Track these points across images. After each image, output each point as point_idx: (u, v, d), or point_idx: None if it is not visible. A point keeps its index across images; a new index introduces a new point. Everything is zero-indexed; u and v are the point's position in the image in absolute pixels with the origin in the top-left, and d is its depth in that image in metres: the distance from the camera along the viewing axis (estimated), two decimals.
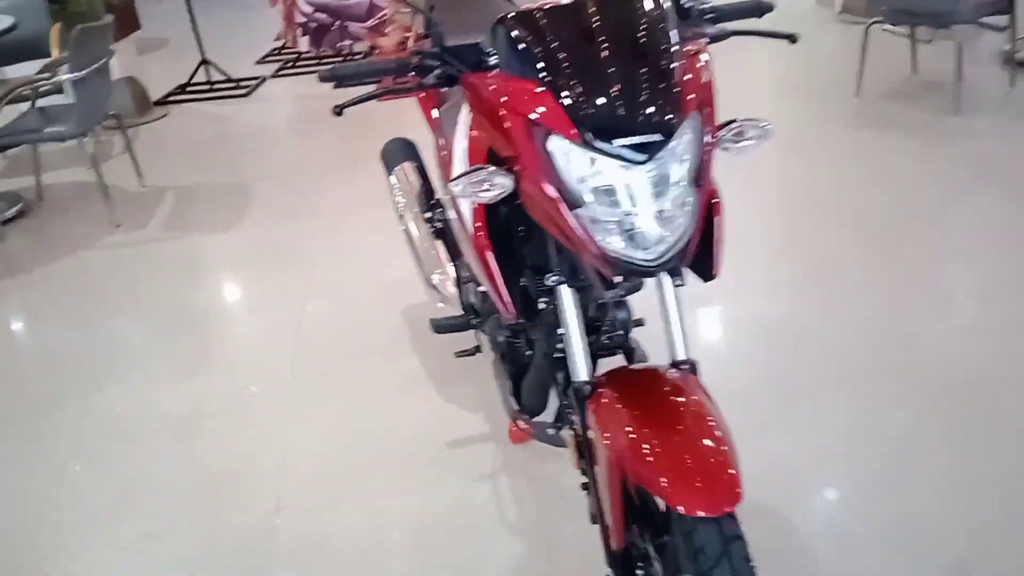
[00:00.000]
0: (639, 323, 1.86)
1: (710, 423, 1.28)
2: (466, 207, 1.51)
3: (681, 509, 1.18)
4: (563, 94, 1.22)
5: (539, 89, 1.24)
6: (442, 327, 2.21)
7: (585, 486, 1.52)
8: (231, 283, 3.37)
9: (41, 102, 4.10)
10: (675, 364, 1.45)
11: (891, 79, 4.70)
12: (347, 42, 5.68)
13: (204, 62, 5.83)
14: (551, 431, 1.86)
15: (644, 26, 1.27)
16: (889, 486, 2.04)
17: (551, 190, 1.23)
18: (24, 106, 4.11)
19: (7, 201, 4.15)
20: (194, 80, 5.90)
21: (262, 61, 6.55)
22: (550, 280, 1.42)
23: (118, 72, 5.08)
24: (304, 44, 5.53)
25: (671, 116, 1.22)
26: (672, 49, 1.26)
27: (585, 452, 1.46)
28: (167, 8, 7.23)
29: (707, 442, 1.25)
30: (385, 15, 5.49)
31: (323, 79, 1.43)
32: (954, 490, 2.01)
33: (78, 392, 2.72)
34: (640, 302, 1.68)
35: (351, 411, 2.51)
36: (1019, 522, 1.91)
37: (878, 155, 3.82)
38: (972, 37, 5.06)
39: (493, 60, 1.35)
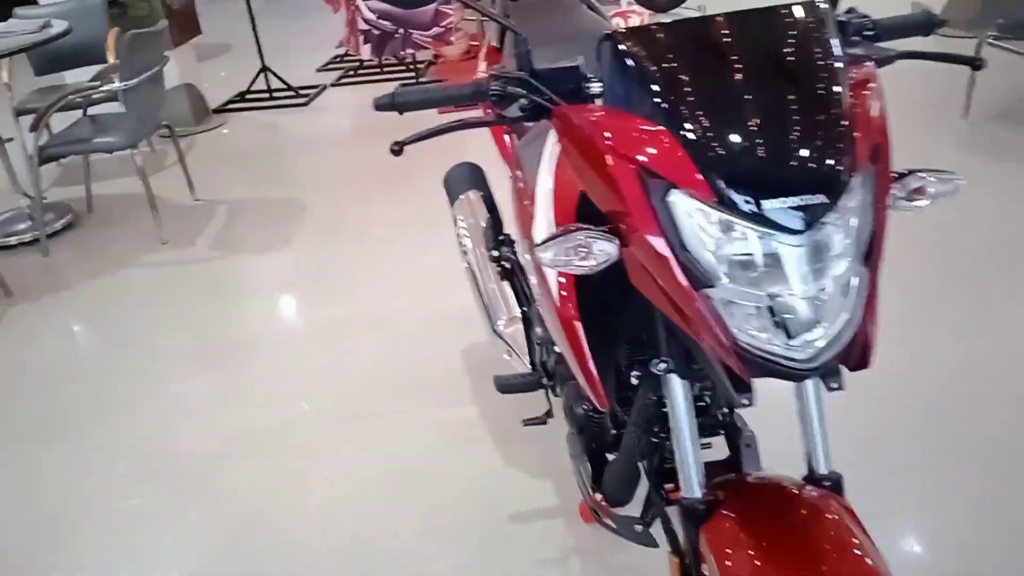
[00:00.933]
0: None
1: (866, 562, 0.96)
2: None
3: None
4: (690, 136, 0.92)
5: (658, 128, 0.94)
6: (508, 387, 1.92)
7: None
8: (277, 309, 3.13)
9: (95, 109, 3.94)
10: (813, 480, 1.13)
11: (1003, 100, 4.27)
12: (410, 51, 5.44)
13: (264, 69, 5.65)
14: (638, 528, 1.54)
15: (799, 46, 0.96)
16: None
17: (671, 261, 0.93)
18: (78, 113, 3.96)
19: (56, 212, 4.00)
20: (253, 88, 5.73)
21: (323, 68, 6.36)
22: (657, 368, 1.11)
23: (176, 78, 4.93)
24: (366, 52, 5.30)
25: (839, 168, 0.90)
26: (839, 76, 0.94)
27: None
28: (229, 12, 7.10)
29: None
30: (451, 23, 5.23)
31: (380, 107, 1.15)
32: None
33: (104, 413, 2.49)
34: None
35: (399, 460, 2.23)
36: None
37: (995, 184, 3.41)
38: None
39: (595, 88, 1.04)
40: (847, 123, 0.92)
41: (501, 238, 2.12)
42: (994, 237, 3.04)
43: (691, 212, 0.91)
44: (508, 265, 2.08)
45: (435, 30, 5.17)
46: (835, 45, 0.96)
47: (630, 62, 0.97)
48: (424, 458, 2.24)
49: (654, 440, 1.37)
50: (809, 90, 0.93)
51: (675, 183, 0.91)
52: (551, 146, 1.27)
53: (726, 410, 1.39)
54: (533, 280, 1.26)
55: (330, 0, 5.78)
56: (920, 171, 1.01)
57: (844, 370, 1.00)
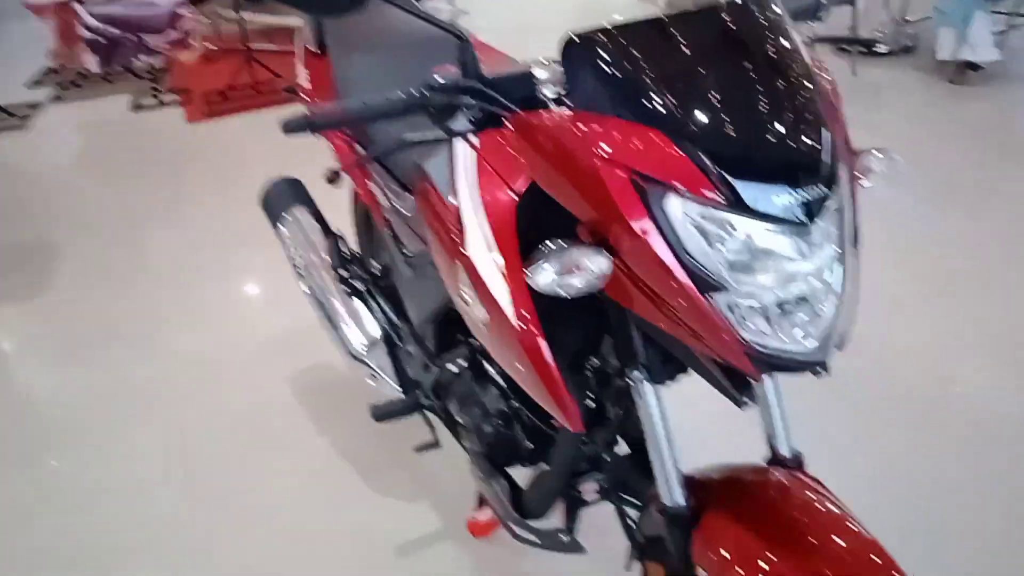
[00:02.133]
0: None
1: (853, 530, 1.00)
2: (499, 288, 1.10)
3: None
4: (687, 136, 0.88)
5: (647, 130, 0.89)
6: (386, 414, 1.78)
7: None
8: (56, 374, 2.65)
9: None
10: (778, 461, 1.15)
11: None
12: (144, 57, 4.92)
13: None
14: (565, 537, 1.50)
15: (770, 41, 0.95)
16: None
17: (677, 269, 0.88)
18: None
19: None
20: None
21: (34, 84, 5.57)
22: (632, 377, 1.07)
23: None
24: (93, 64, 4.71)
25: (831, 160, 0.90)
26: (808, 67, 0.95)
27: None
28: None
29: (861, 550, 0.98)
30: (190, 26, 4.80)
31: (290, 130, 0.98)
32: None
33: None
34: None
35: (270, 524, 1.98)
36: None
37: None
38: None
39: (549, 93, 0.96)
40: (825, 118, 0.93)
41: (346, 257, 1.96)
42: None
43: (692, 215, 0.87)
44: (360, 285, 1.93)
45: (171, 34, 4.72)
46: (797, 37, 0.97)
47: (608, 62, 0.91)
48: (293, 512, 2.02)
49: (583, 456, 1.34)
50: (793, 90, 0.93)
51: (675, 186, 0.87)
52: (464, 159, 1.17)
53: None
54: (472, 308, 1.15)
55: (35, 9, 5.06)
56: (871, 151, 1.04)
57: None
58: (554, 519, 1.51)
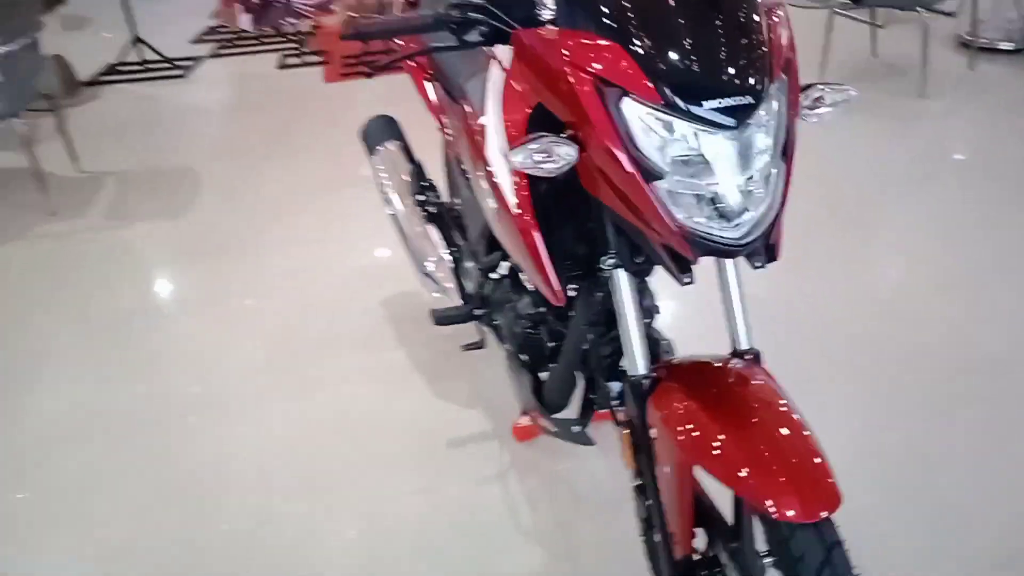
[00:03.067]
0: (656, 311, 1.73)
1: (792, 417, 1.16)
2: (506, 181, 1.34)
3: (771, 509, 1.06)
4: (637, 49, 1.08)
5: (609, 43, 1.09)
6: (444, 319, 2.04)
7: (639, 488, 1.39)
8: (182, 275, 3.10)
9: None
10: (737, 354, 1.33)
11: (853, 62, 4.70)
12: (291, 20, 5.39)
13: (137, 40, 5.46)
14: (576, 428, 1.72)
15: None
16: (916, 478, 1.97)
17: (625, 160, 1.09)
18: None
19: None
20: (126, 60, 5.52)
21: (198, 41, 6.18)
22: (606, 263, 1.28)
23: (42, 50, 4.70)
24: (246, 22, 5.22)
25: (760, 77, 1.08)
26: (756, 6, 1.13)
27: (644, 452, 1.32)
28: None
29: (792, 437, 1.13)
30: None
31: (345, 37, 1.25)
32: (983, 475, 1.95)
33: (10, 391, 2.45)
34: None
35: (333, 406, 2.31)
36: None
37: (850, 135, 3.79)
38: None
39: (547, 14, 1.19)
40: (764, 42, 1.10)
41: (424, 183, 2.24)
42: (859, 174, 3.40)
43: (641, 115, 1.07)
44: (433, 209, 2.20)
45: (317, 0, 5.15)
46: None
47: None
48: (359, 399, 2.33)
49: (598, 339, 1.54)
50: (734, 16, 1.11)
51: (629, 91, 1.07)
52: (495, 76, 1.41)
53: (647, 321, 1.58)
54: (487, 202, 1.39)
55: None
56: (819, 83, 1.21)
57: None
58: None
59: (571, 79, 1.10)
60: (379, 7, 5.50)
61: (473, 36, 1.23)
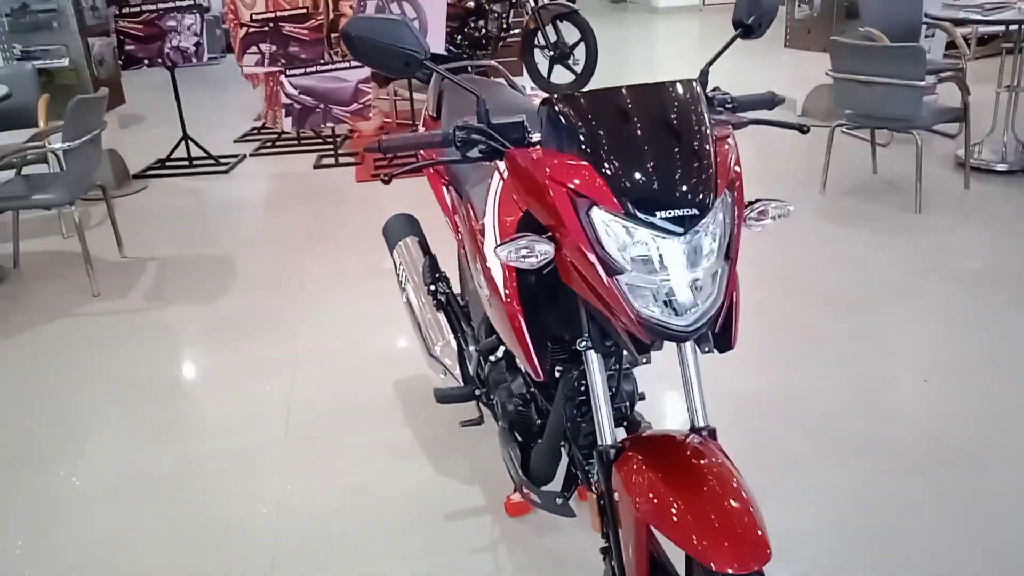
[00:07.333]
0: (642, 397, 1.92)
1: (735, 486, 1.33)
2: (498, 274, 1.58)
3: (713, 566, 1.23)
4: (605, 169, 1.31)
5: (582, 163, 1.33)
6: (446, 397, 2.24)
7: (605, 550, 1.55)
8: (214, 351, 3.35)
9: (27, 171, 4.12)
10: (695, 430, 1.51)
11: (853, 178, 4.96)
12: (329, 124, 5.81)
13: (185, 138, 5.89)
14: (559, 500, 1.89)
15: (679, 111, 1.38)
16: (880, 551, 2.09)
17: (592, 257, 1.31)
18: (8, 174, 4.12)
19: None
20: (174, 155, 5.95)
21: (241, 140, 6.64)
22: (580, 345, 1.48)
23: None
24: (287, 125, 5.64)
25: (706, 193, 1.31)
26: (706, 133, 1.36)
27: (608, 515, 1.49)
28: (148, 83, 7.32)
29: (734, 503, 1.30)
30: (369, 100, 5.64)
31: (369, 150, 1.51)
32: (942, 554, 2.07)
33: (53, 455, 2.66)
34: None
35: (345, 475, 2.50)
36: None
37: (848, 245, 4.01)
38: (925, 142, 5.39)
39: (535, 137, 1.44)
40: (711, 165, 1.34)
41: (437, 275, 2.48)
42: (855, 282, 3.60)
43: (607, 222, 1.30)
44: (443, 298, 2.43)
45: (354, 106, 5.57)
46: (704, 112, 1.39)
47: (562, 118, 1.37)
48: (369, 470, 2.51)
49: (578, 419, 1.72)
50: (687, 142, 1.35)
51: (596, 202, 1.30)
52: (495, 185, 1.66)
53: (628, 403, 1.77)
54: (483, 292, 1.62)
55: (250, 76, 6.11)
56: (764, 199, 1.43)
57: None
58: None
59: (551, 191, 1.34)
60: (411, 115, 5.92)
61: (474, 152, 1.48)
